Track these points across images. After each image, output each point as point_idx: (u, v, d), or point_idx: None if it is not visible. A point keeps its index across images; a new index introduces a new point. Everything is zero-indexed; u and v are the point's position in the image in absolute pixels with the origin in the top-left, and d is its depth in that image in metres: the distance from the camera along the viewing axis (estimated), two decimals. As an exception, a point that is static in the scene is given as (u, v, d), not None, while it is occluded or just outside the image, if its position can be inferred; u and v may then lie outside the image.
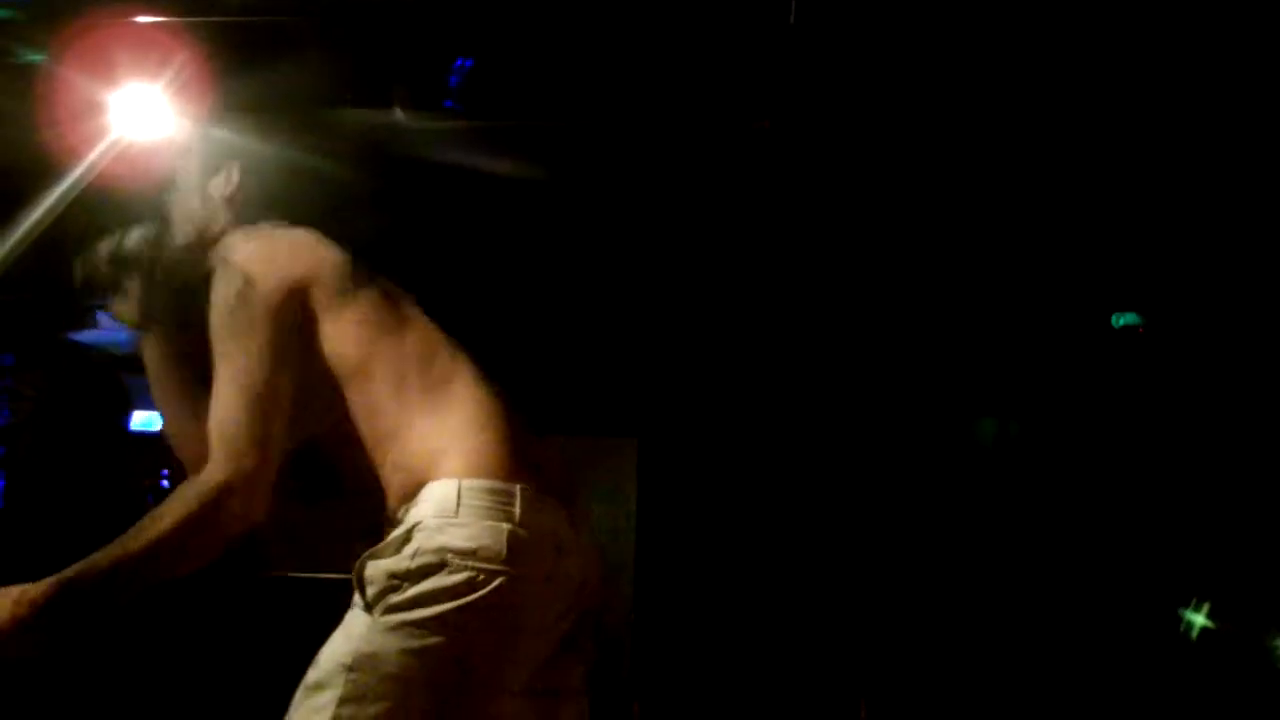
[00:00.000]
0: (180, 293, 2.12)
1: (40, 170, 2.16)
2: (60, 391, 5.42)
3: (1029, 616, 5.34)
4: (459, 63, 4.28)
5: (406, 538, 1.79)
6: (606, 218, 5.38)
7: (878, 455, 5.65)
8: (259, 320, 1.85)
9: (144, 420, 5.39)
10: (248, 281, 1.88)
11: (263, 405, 1.80)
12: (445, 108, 4.40)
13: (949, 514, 5.55)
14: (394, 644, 1.73)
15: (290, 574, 4.90)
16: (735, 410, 5.79)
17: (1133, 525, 5.26)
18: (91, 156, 2.15)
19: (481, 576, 1.75)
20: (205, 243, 2.11)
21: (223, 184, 2.15)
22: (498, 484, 1.83)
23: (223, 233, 2.10)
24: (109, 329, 6.45)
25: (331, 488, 2.05)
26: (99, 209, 2.30)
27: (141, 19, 3.60)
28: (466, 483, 1.81)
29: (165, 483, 5.34)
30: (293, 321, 1.90)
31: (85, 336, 6.12)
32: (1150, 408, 5.32)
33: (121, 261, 2.17)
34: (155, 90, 3.54)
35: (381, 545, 1.82)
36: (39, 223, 2.18)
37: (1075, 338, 5.44)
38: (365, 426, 1.93)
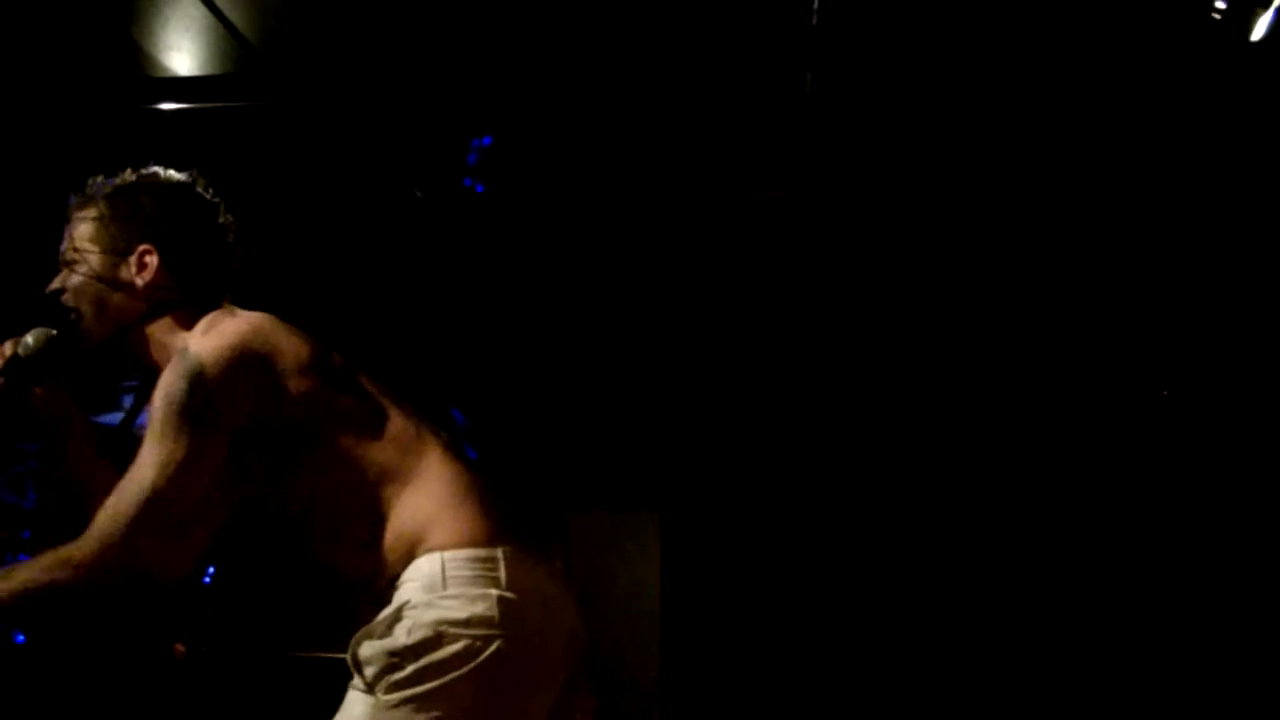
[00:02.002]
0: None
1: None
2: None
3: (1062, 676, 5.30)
4: (477, 141, 4.33)
5: (397, 616, 1.79)
6: (626, 296, 5.41)
7: (895, 521, 5.63)
8: (200, 418, 1.82)
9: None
10: (202, 373, 1.83)
11: (165, 508, 1.81)
12: (464, 185, 4.44)
13: (974, 572, 5.51)
14: None
15: (320, 654, 4.89)
16: (753, 482, 5.78)
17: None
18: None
19: (478, 643, 1.75)
20: (129, 334, 2.01)
21: (134, 269, 1.99)
22: (480, 551, 1.83)
23: (145, 321, 2.00)
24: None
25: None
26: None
27: (164, 106, 3.66)
28: (449, 554, 1.82)
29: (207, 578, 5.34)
30: (238, 420, 1.86)
31: (111, 419, 6.15)
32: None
33: (32, 361, 2.00)
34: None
35: (373, 625, 1.82)
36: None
37: (1100, 401, 5.43)
38: (337, 508, 1.91)
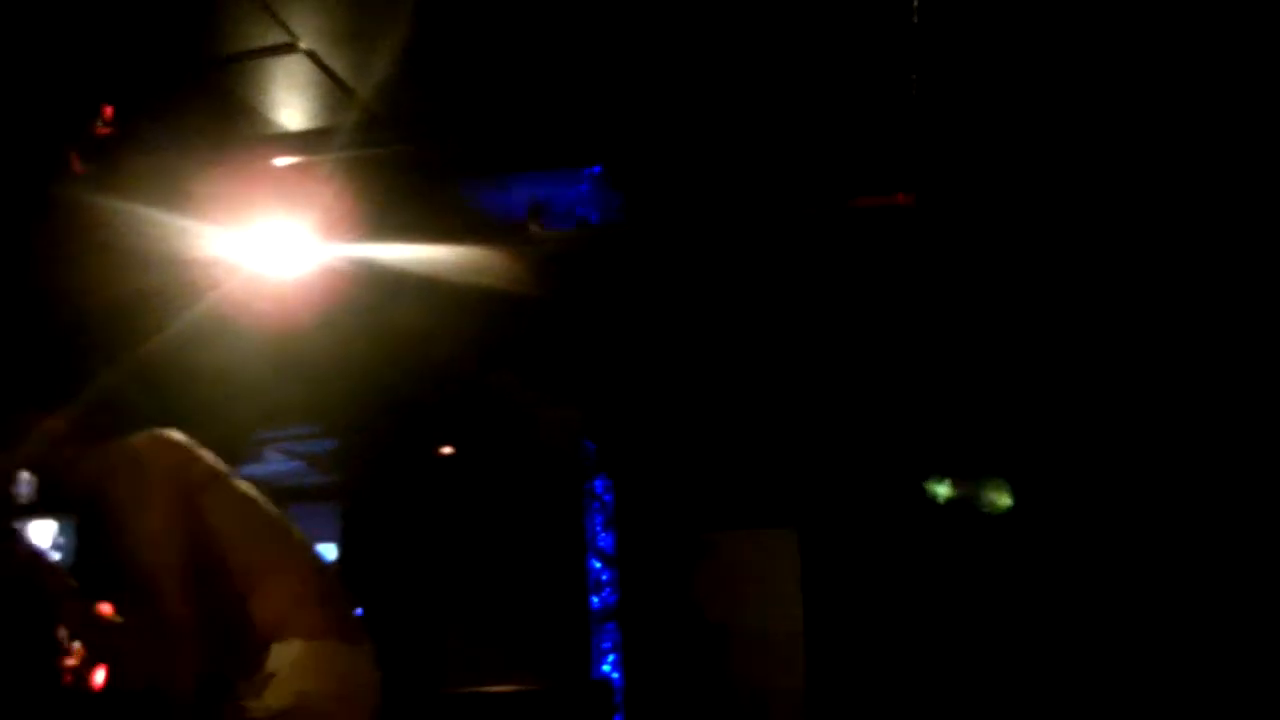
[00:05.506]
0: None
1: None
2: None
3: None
4: (587, 170, 4.35)
5: (266, 684, 2.49)
6: (754, 316, 5.39)
7: (1048, 537, 5.52)
8: (158, 499, 2.49)
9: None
10: (141, 468, 2.52)
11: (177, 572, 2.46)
12: (577, 215, 4.47)
13: (1141, 578, 5.38)
14: None
15: (466, 689, 4.96)
16: (892, 495, 5.73)
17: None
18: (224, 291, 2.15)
19: (321, 704, 2.52)
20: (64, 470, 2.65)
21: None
22: (326, 641, 2.57)
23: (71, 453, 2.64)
24: (274, 462, 6.67)
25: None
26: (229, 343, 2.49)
27: (280, 161, 3.74)
28: (301, 644, 2.53)
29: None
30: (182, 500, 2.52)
31: (255, 470, 6.31)
32: None
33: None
34: (293, 228, 3.65)
35: (249, 691, 2.49)
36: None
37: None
38: (219, 589, 2.53)
